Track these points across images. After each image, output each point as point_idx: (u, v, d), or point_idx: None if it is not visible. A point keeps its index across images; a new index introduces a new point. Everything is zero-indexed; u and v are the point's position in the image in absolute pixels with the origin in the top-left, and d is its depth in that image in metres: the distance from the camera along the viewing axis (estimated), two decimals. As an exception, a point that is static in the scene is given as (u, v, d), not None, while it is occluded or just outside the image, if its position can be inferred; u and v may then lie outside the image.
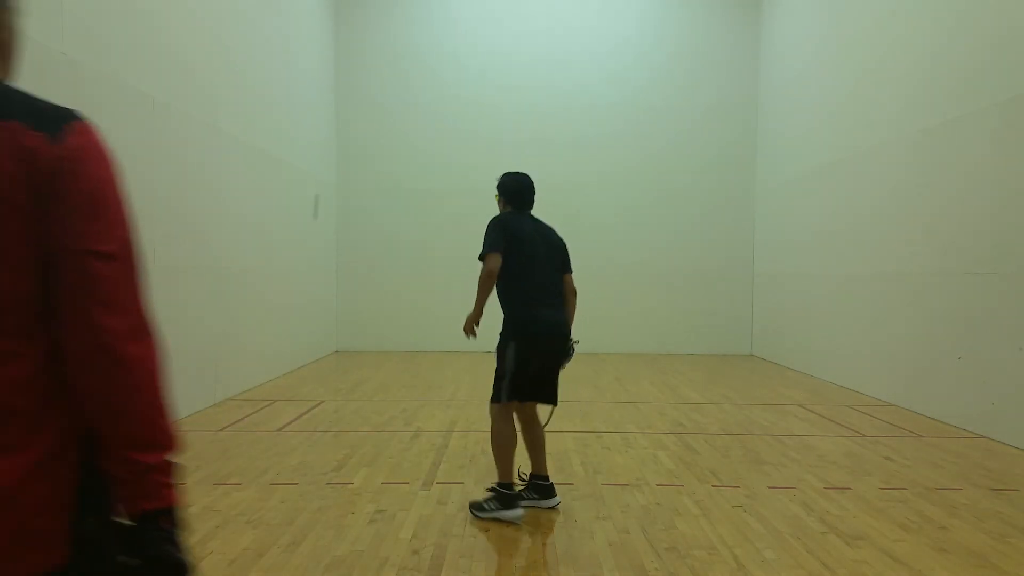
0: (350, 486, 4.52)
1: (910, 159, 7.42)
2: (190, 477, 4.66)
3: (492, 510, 3.94)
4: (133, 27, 5.70)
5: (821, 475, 4.88)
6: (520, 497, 3.99)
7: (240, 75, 7.88)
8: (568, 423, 6.36)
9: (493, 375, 4.01)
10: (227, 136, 7.48)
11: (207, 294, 6.97)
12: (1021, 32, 5.85)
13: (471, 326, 4.03)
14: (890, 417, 6.76)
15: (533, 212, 4.26)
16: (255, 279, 8.26)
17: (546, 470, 4.20)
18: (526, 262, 3.97)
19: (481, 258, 3.90)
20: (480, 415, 6.47)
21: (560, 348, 4.04)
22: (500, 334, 4.02)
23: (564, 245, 4.23)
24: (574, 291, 4.22)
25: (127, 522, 1.13)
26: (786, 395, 8.14)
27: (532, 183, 4.23)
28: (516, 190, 4.17)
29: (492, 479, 4.72)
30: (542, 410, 4.23)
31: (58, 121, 1.15)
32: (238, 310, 7.70)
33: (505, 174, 4.25)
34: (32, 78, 4.75)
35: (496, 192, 4.23)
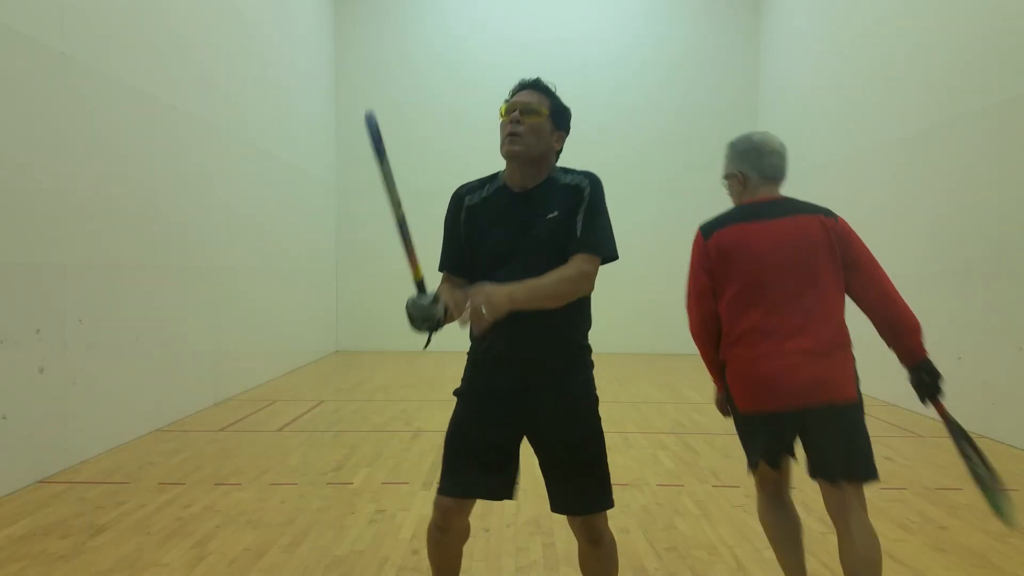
0: (350, 486, 4.52)
1: (910, 159, 7.42)
2: (190, 477, 4.66)
3: None
4: (133, 27, 5.70)
5: (821, 475, 4.87)
6: None
7: (240, 74, 7.88)
8: (568, 423, 6.36)
9: (593, 461, 2.33)
10: (227, 136, 7.48)
11: (207, 294, 6.97)
12: (1020, 32, 5.85)
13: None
14: (890, 417, 6.76)
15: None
16: (255, 279, 8.26)
17: None
18: None
19: (606, 258, 2.25)
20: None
21: None
22: (585, 383, 2.34)
23: None
24: None
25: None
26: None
27: None
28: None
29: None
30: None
31: (830, 214, 2.67)
32: (238, 310, 7.70)
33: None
34: (32, 78, 4.78)
35: (553, 120, 2.38)
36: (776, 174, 2.80)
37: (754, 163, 2.77)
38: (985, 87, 6.26)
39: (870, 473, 2.51)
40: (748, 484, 4.67)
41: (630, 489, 4.51)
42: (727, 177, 2.86)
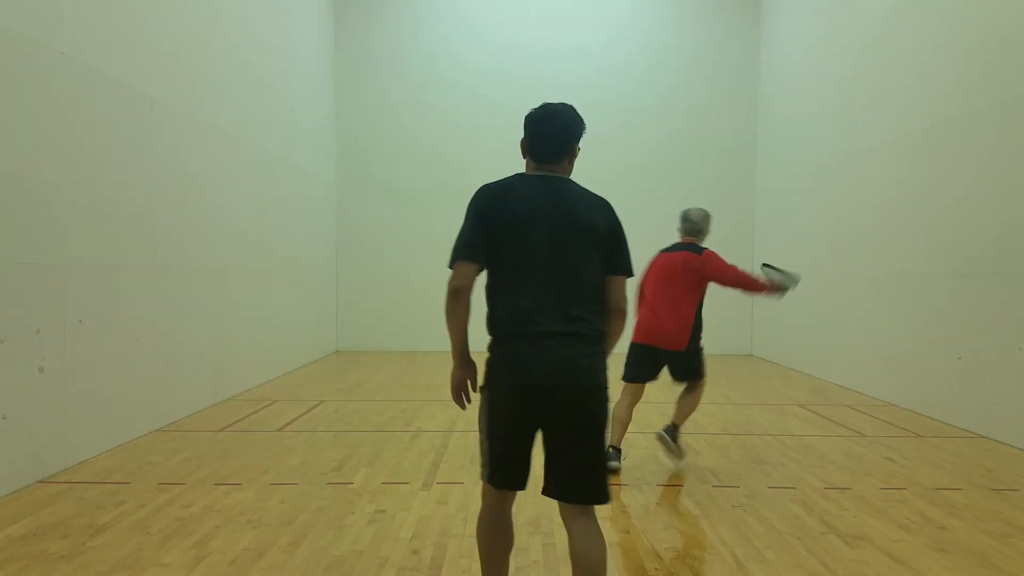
0: (350, 486, 4.52)
1: (910, 159, 7.42)
2: (190, 477, 4.66)
3: None
4: (133, 27, 5.70)
5: (821, 475, 4.88)
6: None
7: (240, 75, 7.88)
8: (568, 423, 6.36)
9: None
10: (227, 136, 7.48)
11: (207, 294, 6.97)
12: (1021, 32, 5.85)
13: (458, 387, 2.58)
14: (890, 417, 6.76)
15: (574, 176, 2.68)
16: (255, 279, 8.26)
17: None
18: (514, 260, 2.45)
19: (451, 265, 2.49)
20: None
21: (567, 407, 2.39)
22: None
23: (610, 227, 2.53)
24: (621, 311, 2.52)
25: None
26: (786, 395, 8.14)
27: (564, 118, 2.61)
28: (533, 131, 2.60)
29: (492, 479, 4.73)
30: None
31: (698, 250, 4.92)
32: (238, 310, 7.70)
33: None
34: (32, 78, 4.77)
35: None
36: (688, 228, 5.17)
37: (681, 222, 5.22)
38: (985, 87, 6.25)
39: (691, 377, 5.11)
40: (748, 484, 4.68)
41: (630, 489, 4.51)
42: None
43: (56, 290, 4.70)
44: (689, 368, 5.03)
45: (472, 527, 3.81)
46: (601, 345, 2.47)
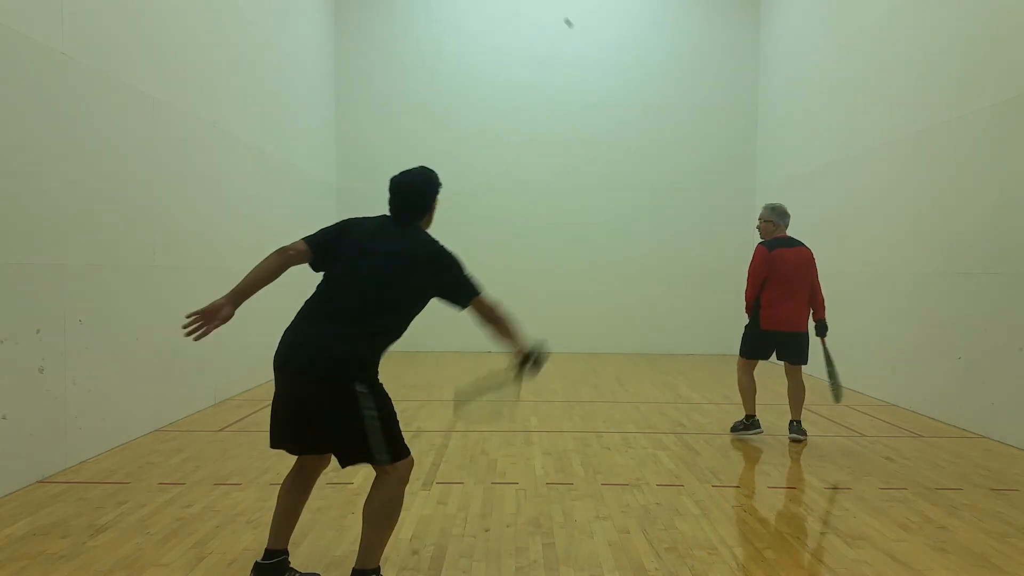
0: (350, 486, 4.51)
1: (910, 159, 7.42)
2: (190, 477, 4.66)
3: None
4: (133, 27, 5.70)
5: (821, 475, 4.88)
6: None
7: (240, 75, 7.88)
8: (568, 423, 6.35)
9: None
10: (227, 136, 7.47)
11: (207, 294, 6.92)
12: (1019, 33, 5.85)
13: (208, 308, 3.33)
14: (890, 417, 6.76)
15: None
16: (255, 279, 8.24)
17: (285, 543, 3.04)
18: (338, 269, 3.15)
19: None
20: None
21: (305, 386, 2.87)
22: None
23: (429, 260, 3.16)
24: (492, 320, 3.09)
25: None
26: (786, 395, 8.12)
27: (410, 184, 3.37)
28: (389, 194, 3.38)
29: (491, 479, 4.73)
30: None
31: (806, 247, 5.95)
32: (238, 310, 7.68)
33: None
34: (32, 78, 4.77)
35: None
36: (787, 223, 6.02)
37: (782, 218, 6.00)
38: (985, 87, 6.26)
39: (804, 361, 5.79)
40: (748, 484, 4.68)
41: (630, 489, 4.51)
42: (766, 221, 5.95)
43: (56, 290, 4.70)
44: (801, 348, 5.71)
45: (473, 527, 3.81)
46: (355, 343, 2.86)
